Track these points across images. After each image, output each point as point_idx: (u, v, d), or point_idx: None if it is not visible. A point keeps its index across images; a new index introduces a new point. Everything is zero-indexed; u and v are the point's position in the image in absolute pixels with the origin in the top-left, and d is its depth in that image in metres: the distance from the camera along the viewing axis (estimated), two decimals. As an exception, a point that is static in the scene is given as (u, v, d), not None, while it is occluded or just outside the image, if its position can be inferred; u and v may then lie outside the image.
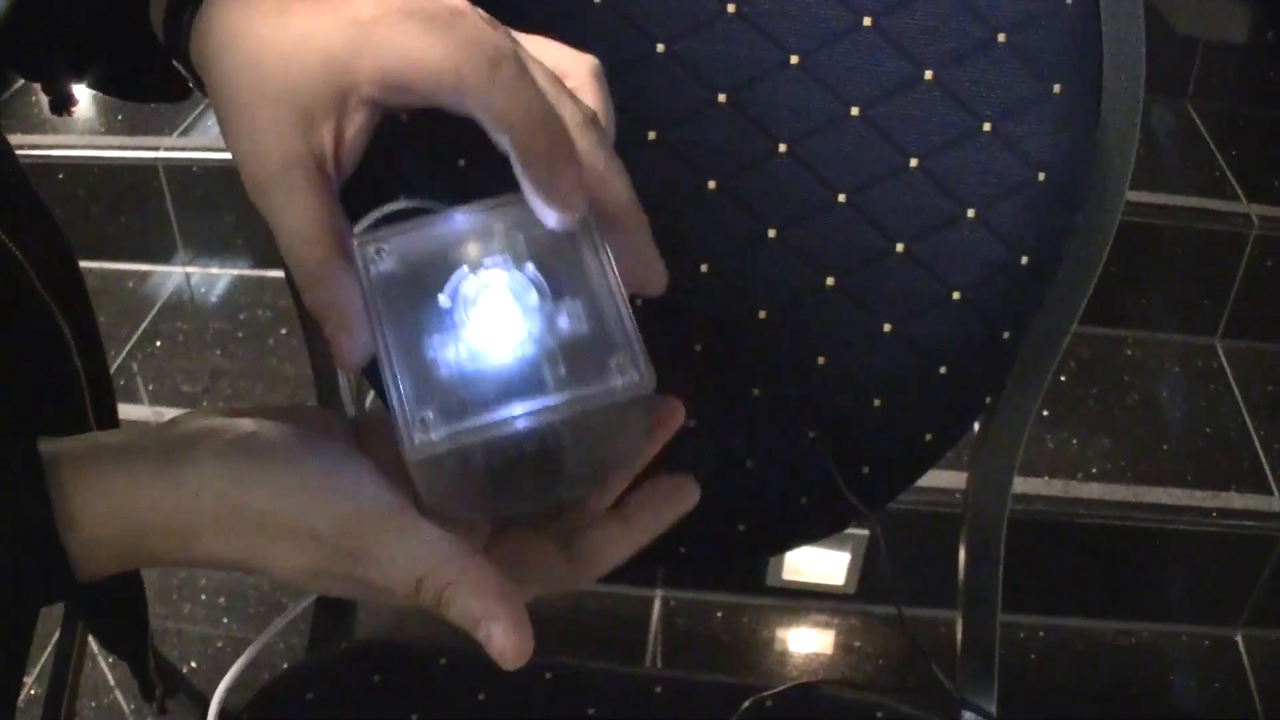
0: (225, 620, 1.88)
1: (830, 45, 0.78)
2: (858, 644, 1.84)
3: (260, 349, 2.12)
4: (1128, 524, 1.85)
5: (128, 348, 2.10)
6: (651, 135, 0.81)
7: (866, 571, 1.86)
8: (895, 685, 1.80)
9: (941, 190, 0.80)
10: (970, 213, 0.81)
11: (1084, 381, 2.04)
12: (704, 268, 0.83)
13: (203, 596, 1.92)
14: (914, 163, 0.80)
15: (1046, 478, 1.84)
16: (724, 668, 1.81)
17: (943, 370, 0.85)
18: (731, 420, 0.88)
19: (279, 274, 2.26)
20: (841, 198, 0.81)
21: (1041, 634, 1.86)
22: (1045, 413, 1.95)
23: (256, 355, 2.10)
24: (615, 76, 0.74)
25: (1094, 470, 1.88)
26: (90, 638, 1.01)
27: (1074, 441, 1.92)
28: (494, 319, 0.50)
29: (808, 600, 1.89)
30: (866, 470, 0.90)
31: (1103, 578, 1.91)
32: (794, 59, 0.78)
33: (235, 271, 2.30)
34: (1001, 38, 0.77)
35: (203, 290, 2.27)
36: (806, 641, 1.85)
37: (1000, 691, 1.03)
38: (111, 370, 2.00)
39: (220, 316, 2.20)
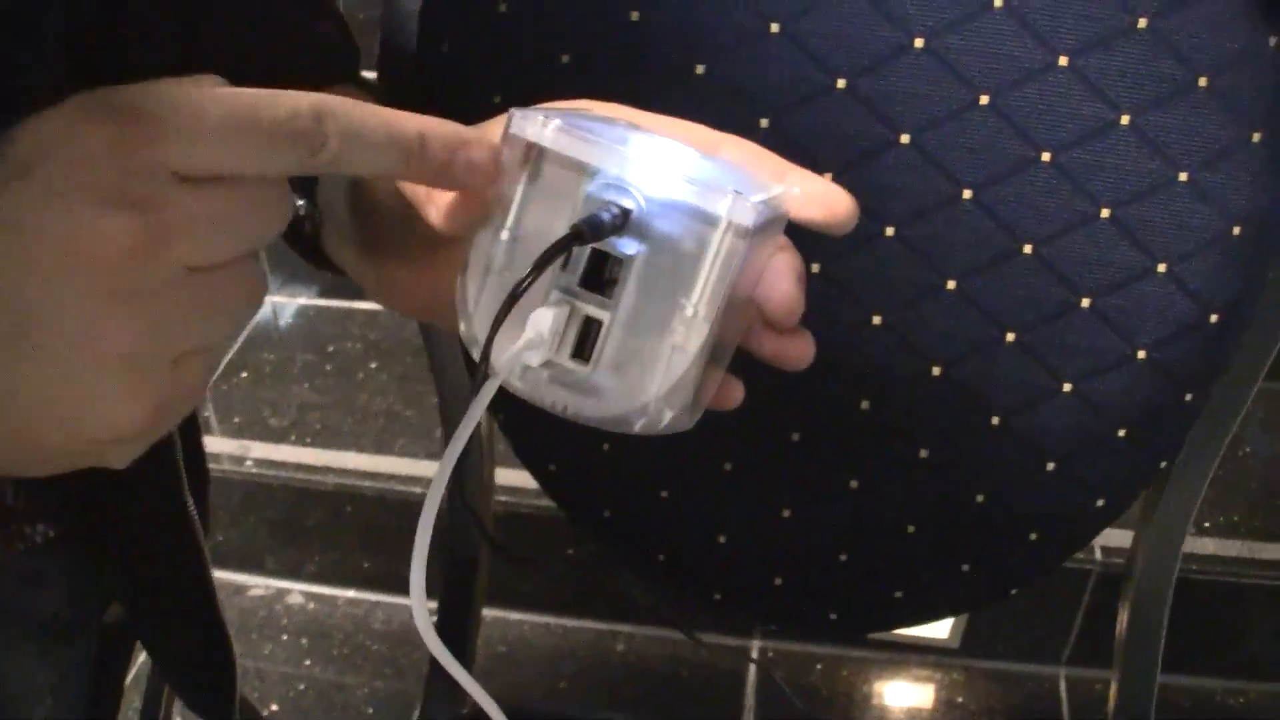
0: (308, 662, 1.84)
1: (1022, 85, 0.73)
2: (960, 699, 1.78)
3: (349, 383, 2.08)
4: (1243, 581, 1.78)
5: (214, 377, 2.07)
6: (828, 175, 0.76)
7: (971, 626, 1.80)
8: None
9: (1132, 242, 0.75)
10: (1161, 267, 0.76)
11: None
12: (875, 319, 0.79)
13: (284, 636, 1.89)
14: (1105, 213, 0.75)
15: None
16: (822, 723, 1.75)
17: (1121, 433, 0.80)
18: (895, 484, 0.83)
19: (367, 306, 2.23)
20: (1027, 249, 0.76)
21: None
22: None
23: (345, 389, 2.07)
24: (792, 110, 0.70)
25: (1207, 524, 1.81)
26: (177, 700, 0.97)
27: (1186, 496, 1.85)
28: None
29: (909, 654, 1.83)
30: (1034, 536, 0.85)
31: (1211, 635, 1.84)
32: (983, 99, 0.73)
33: (324, 302, 2.27)
34: (1203, 82, 0.72)
35: (290, 320, 2.24)
36: (907, 696, 1.79)
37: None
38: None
39: (308, 348, 2.17)
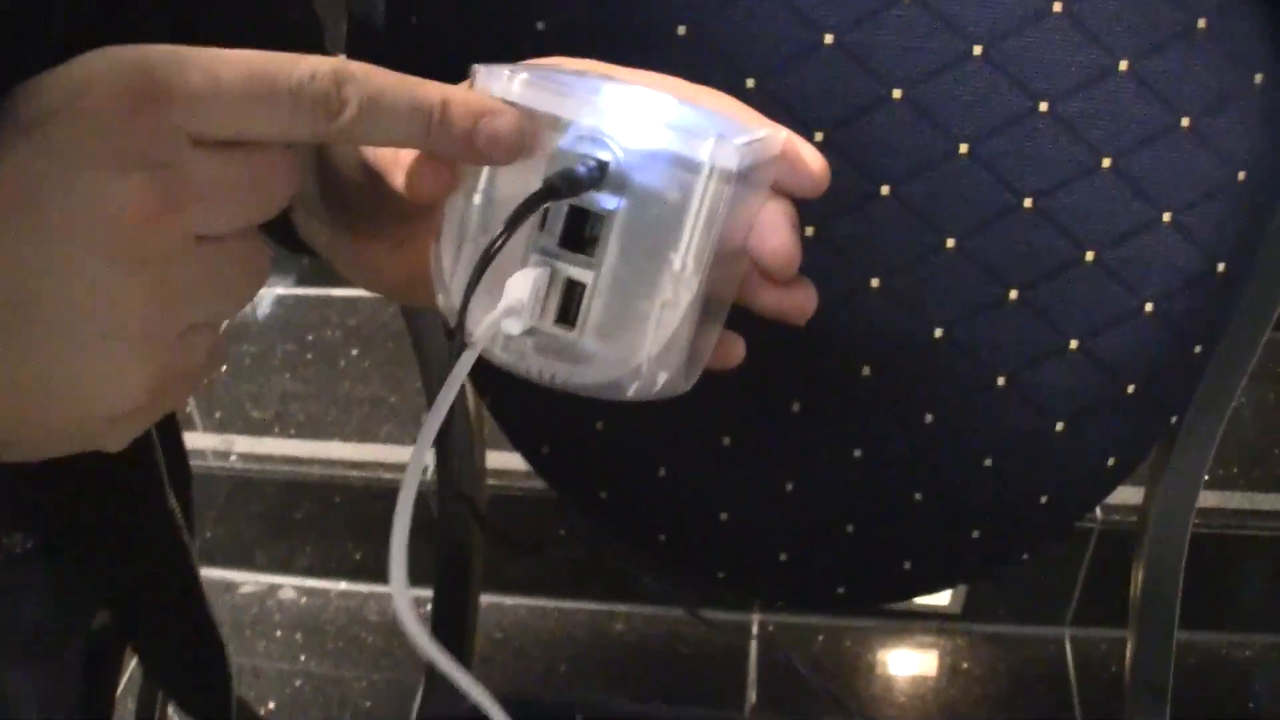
0: (303, 657, 1.82)
1: (1016, 33, 0.70)
2: (965, 665, 1.76)
3: (331, 371, 2.05)
4: (1244, 533, 1.76)
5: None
6: (819, 135, 0.73)
7: (972, 591, 1.78)
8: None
9: (1136, 193, 0.73)
10: (1165, 217, 0.73)
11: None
12: (874, 282, 0.76)
13: (278, 633, 1.87)
14: (1106, 163, 0.72)
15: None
16: (827, 695, 1.73)
17: (1130, 389, 0.78)
18: (900, 451, 0.81)
19: (345, 292, 2.19)
20: (1028, 202, 0.73)
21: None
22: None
23: (327, 378, 2.03)
24: (779, 69, 0.67)
25: (1207, 478, 1.79)
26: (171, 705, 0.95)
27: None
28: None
29: (912, 621, 1.81)
30: (1045, 499, 0.82)
31: (1216, 589, 1.83)
32: (976, 49, 0.71)
33: (301, 290, 2.23)
34: (1202, 23, 0.70)
35: (268, 311, 2.21)
36: (912, 664, 1.77)
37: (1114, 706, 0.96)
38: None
39: (288, 338, 2.14)
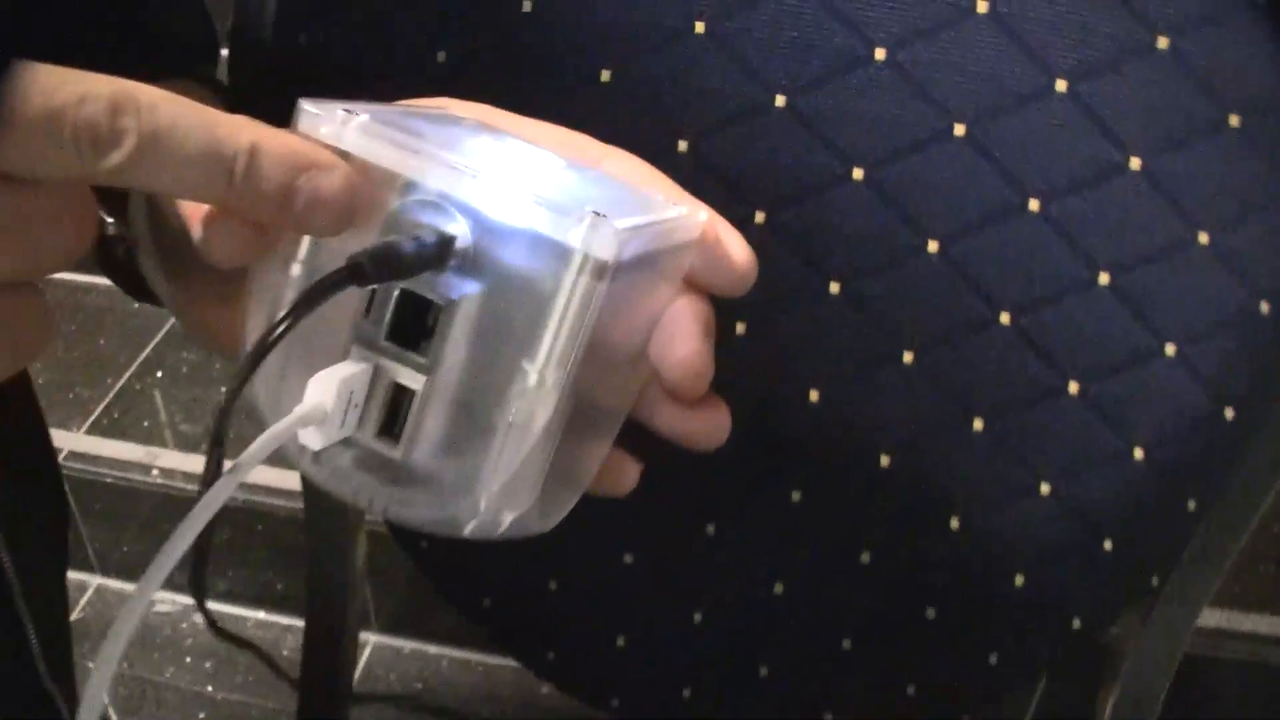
0: (210, 687, 1.74)
1: (1008, 114, 0.58)
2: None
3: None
4: (1221, 655, 1.64)
5: (126, 376, 1.92)
6: (760, 218, 0.61)
7: None
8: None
9: (1135, 316, 0.60)
10: (1169, 349, 0.61)
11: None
12: (813, 394, 0.63)
13: (188, 658, 1.77)
14: (1104, 278, 0.60)
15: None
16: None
17: (1107, 545, 0.65)
18: (826, 592, 0.68)
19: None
20: (1005, 318, 0.61)
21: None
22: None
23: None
24: (717, 130, 0.56)
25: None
26: None
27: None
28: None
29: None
30: (993, 659, 0.70)
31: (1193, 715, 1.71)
32: (959, 128, 0.58)
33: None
34: (1234, 120, 0.58)
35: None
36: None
37: None
38: (107, 400, 1.84)
39: (228, 348, 2.02)
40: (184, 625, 1.80)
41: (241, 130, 0.35)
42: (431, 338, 0.37)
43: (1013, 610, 0.68)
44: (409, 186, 0.36)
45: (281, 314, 0.34)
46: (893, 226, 0.60)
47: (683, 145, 0.60)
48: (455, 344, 0.36)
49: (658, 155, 0.44)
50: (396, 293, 0.37)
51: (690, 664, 0.73)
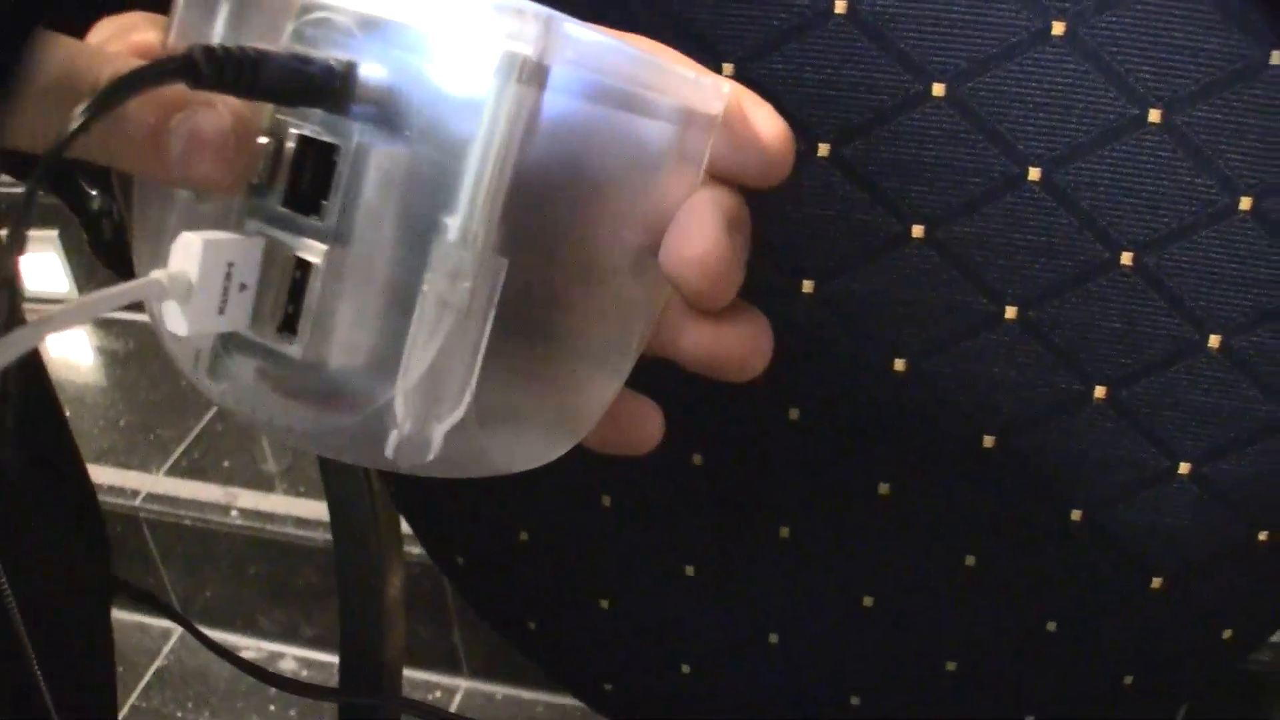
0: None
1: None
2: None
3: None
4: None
5: (207, 417, 1.88)
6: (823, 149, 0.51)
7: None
8: None
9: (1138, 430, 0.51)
10: (1184, 468, 0.51)
11: None
12: (899, 363, 0.53)
13: (271, 706, 1.74)
14: (1245, 203, 0.49)
15: None
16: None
17: (1261, 536, 0.55)
18: (927, 603, 0.58)
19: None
20: (1126, 257, 0.50)
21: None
22: None
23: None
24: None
25: None
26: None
27: None
28: None
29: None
30: (1129, 681, 0.59)
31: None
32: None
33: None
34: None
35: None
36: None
37: None
38: (187, 441, 1.79)
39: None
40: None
41: (103, 65, 0.29)
42: (334, 196, 0.29)
43: (1149, 620, 0.57)
44: (306, 9, 0.29)
45: (73, 125, 0.26)
46: (984, 156, 0.50)
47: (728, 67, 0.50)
48: (365, 204, 0.29)
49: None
50: (294, 146, 0.30)
51: (766, 694, 0.63)
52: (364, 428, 0.29)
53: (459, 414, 0.29)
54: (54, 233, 2.03)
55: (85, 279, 2.12)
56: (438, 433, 0.29)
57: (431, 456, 0.30)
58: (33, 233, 1.91)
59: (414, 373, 0.28)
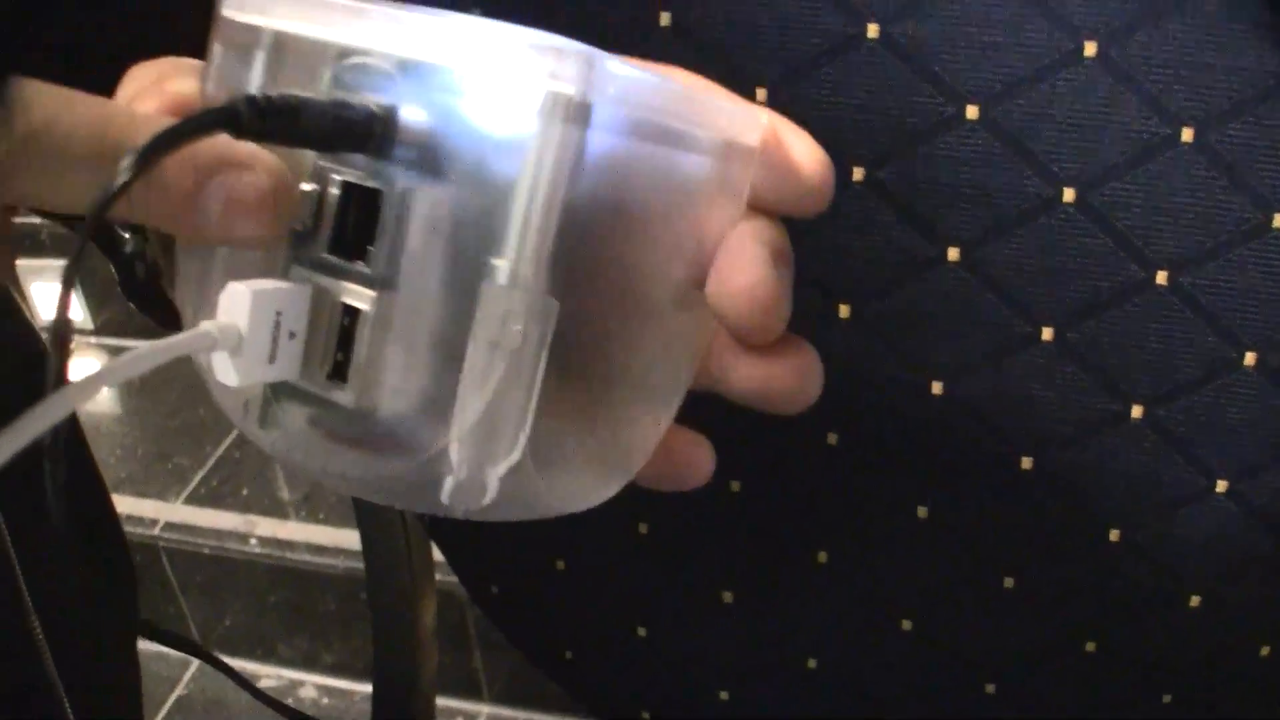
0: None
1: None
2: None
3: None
4: None
5: (224, 444, 1.87)
6: (859, 174, 0.51)
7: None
8: None
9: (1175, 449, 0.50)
10: (1221, 485, 0.51)
11: None
12: (936, 386, 0.53)
13: None
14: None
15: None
16: None
17: (1167, 699, 0.55)
18: (967, 625, 0.57)
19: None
20: (1161, 276, 0.50)
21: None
22: None
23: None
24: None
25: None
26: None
27: None
28: None
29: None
30: (1168, 699, 0.58)
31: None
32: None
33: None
34: None
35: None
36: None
37: None
38: (205, 469, 1.79)
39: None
40: (289, 701, 1.74)
41: (137, 127, 0.29)
42: (380, 242, 0.29)
43: (1188, 639, 0.57)
44: (345, 54, 0.29)
45: (120, 180, 0.26)
46: (1019, 178, 0.50)
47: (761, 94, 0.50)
48: (411, 249, 0.29)
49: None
50: (338, 193, 0.30)
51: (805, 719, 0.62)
52: (419, 474, 0.29)
53: (515, 457, 0.29)
54: (64, 263, 2.03)
55: (97, 309, 2.12)
56: (493, 477, 0.29)
57: (488, 501, 0.29)
58: (44, 262, 1.92)
59: (468, 417, 0.28)
